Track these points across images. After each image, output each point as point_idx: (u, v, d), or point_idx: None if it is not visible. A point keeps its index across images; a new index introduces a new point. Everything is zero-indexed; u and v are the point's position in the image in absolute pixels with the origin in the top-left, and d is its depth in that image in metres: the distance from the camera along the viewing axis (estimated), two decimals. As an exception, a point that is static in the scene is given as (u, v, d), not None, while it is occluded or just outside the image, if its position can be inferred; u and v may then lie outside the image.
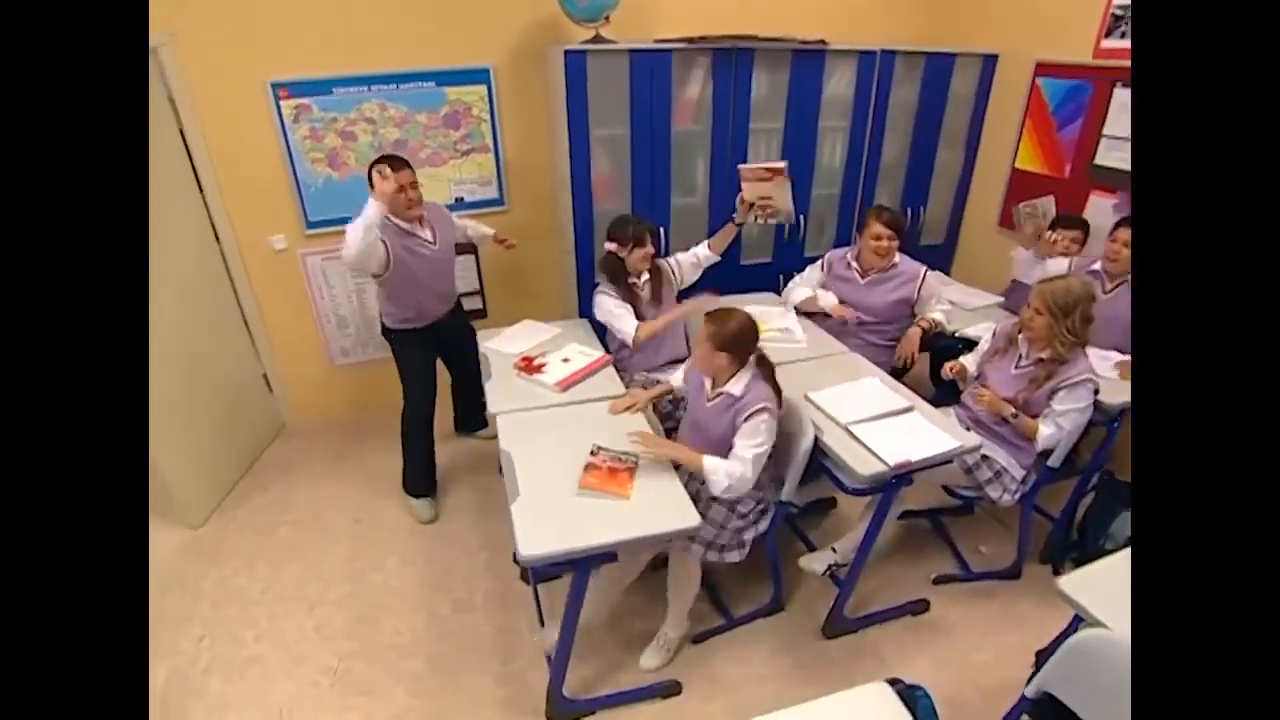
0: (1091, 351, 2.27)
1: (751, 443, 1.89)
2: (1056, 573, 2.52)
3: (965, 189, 3.65)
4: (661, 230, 3.14)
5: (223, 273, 3.04)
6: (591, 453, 1.95)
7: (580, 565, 1.75)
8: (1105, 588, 1.53)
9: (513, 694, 2.09)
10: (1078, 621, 1.60)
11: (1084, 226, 2.86)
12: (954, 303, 2.94)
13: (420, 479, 2.83)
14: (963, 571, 2.55)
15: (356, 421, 3.47)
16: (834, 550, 2.30)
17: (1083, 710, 1.41)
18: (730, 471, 1.88)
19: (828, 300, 2.82)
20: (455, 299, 2.86)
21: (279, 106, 2.81)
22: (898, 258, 2.80)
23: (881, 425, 2.09)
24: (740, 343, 1.95)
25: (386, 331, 2.68)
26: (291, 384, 3.38)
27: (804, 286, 2.90)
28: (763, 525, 2.11)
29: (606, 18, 2.78)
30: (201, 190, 2.87)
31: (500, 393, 2.33)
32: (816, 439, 2.03)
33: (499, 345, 2.63)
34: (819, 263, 2.95)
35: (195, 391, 2.84)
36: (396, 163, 2.39)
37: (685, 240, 3.18)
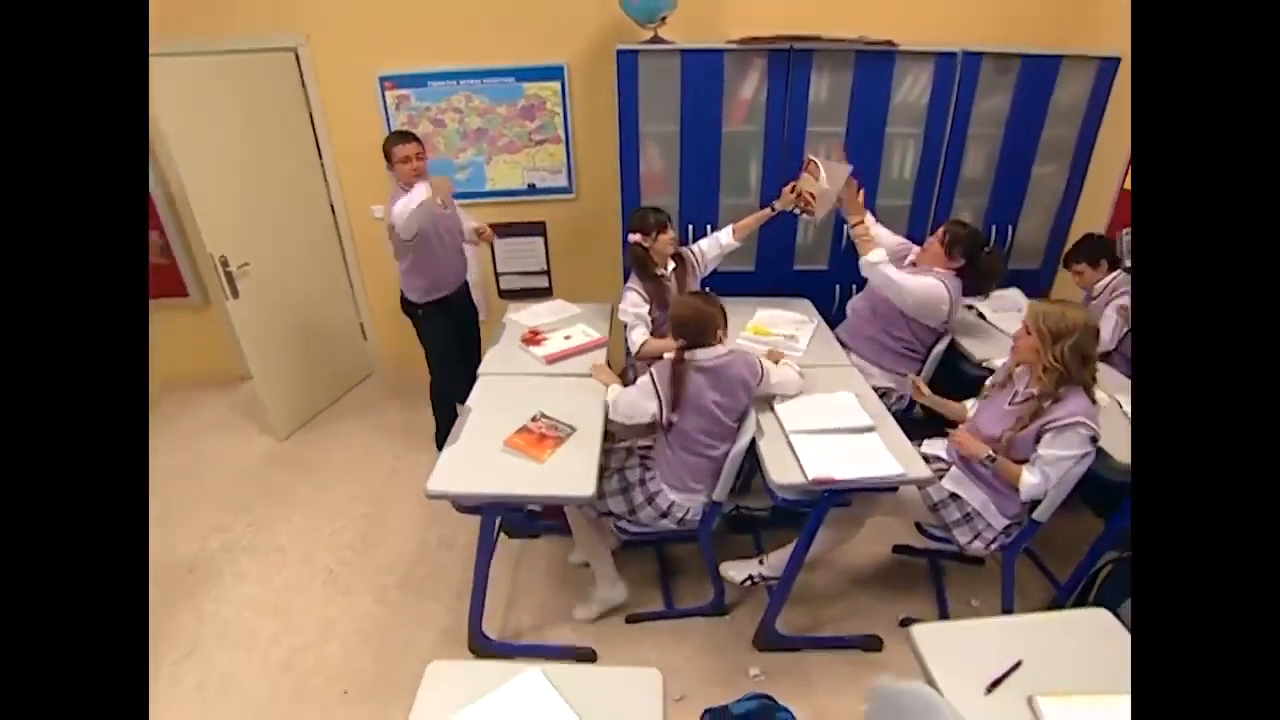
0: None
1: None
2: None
3: (1070, 210, 3.25)
4: (709, 229, 3.22)
5: (334, 236, 3.66)
6: (533, 418, 2.15)
7: (486, 511, 1.96)
8: (960, 649, 1.42)
9: (453, 625, 2.35)
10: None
11: (1103, 255, 2.56)
12: (983, 315, 2.75)
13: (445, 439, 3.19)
14: (938, 621, 2.36)
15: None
16: (760, 562, 2.26)
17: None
18: (616, 396, 2.20)
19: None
20: (465, 275, 3.11)
21: (384, 96, 3.33)
22: (944, 270, 2.63)
23: (827, 439, 2.04)
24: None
25: (411, 308, 2.97)
26: (382, 337, 3.95)
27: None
28: (645, 518, 2.16)
29: (663, 19, 2.92)
30: (323, 165, 3.49)
31: (496, 358, 2.61)
32: (753, 441, 2.04)
33: (520, 317, 2.90)
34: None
35: (301, 330, 3.48)
36: (407, 137, 2.74)
37: (736, 240, 3.24)
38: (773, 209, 2.80)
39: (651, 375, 2.08)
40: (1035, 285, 3.35)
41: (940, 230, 2.64)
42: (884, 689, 1.32)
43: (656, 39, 2.95)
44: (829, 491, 1.93)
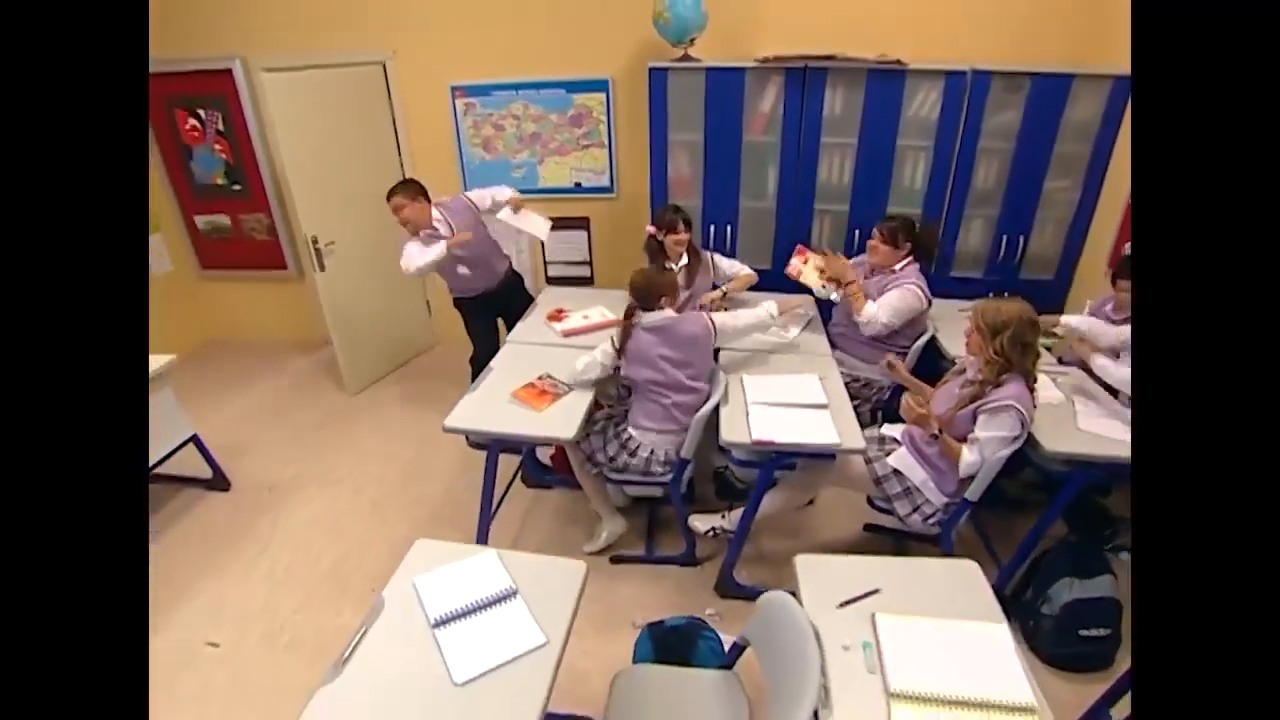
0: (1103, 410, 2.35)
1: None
2: (997, 622, 2.44)
3: (1085, 224, 3.35)
4: (729, 228, 3.57)
5: (409, 222, 4.25)
6: (539, 377, 2.59)
7: (491, 446, 2.42)
8: (834, 577, 1.72)
9: (468, 549, 2.82)
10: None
11: None
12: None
13: None
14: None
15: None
16: (723, 516, 2.60)
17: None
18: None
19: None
20: (505, 274, 3.49)
21: (455, 103, 3.88)
22: (899, 266, 2.89)
23: (780, 410, 2.36)
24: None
25: (456, 302, 3.45)
26: (444, 314, 4.50)
27: None
28: (621, 463, 2.53)
29: (692, 40, 3.29)
30: (400, 160, 4.09)
31: (524, 330, 3.09)
32: (717, 407, 2.39)
33: (551, 300, 3.36)
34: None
35: (374, 303, 4.09)
36: (391, 192, 3.11)
37: (753, 237, 3.60)
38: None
39: (613, 336, 2.48)
40: (1049, 297, 3.46)
41: (876, 234, 2.91)
42: (763, 598, 1.65)
43: (686, 57, 3.33)
44: (775, 454, 2.26)
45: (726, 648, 1.89)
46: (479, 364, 3.55)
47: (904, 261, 2.88)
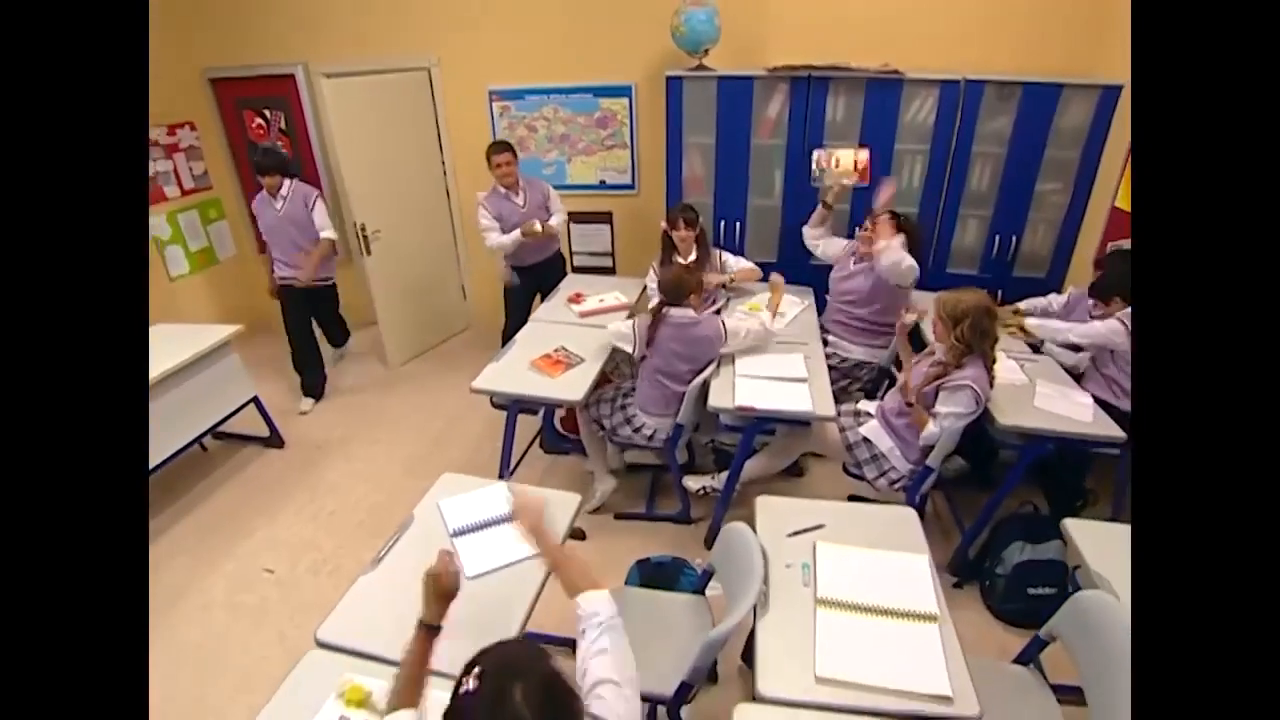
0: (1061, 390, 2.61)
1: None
2: (957, 585, 2.71)
3: (1075, 225, 3.57)
4: (738, 224, 3.89)
5: (447, 214, 4.68)
6: (555, 349, 2.96)
7: (510, 406, 2.79)
8: (789, 513, 2.04)
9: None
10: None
11: None
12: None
13: None
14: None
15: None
16: (713, 477, 2.93)
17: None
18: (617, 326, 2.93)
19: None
20: (553, 251, 3.98)
21: (492, 106, 4.28)
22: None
23: (765, 383, 2.68)
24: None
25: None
26: (478, 297, 4.94)
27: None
28: (624, 434, 2.88)
29: (706, 51, 3.62)
30: (442, 158, 4.51)
31: (547, 309, 3.49)
32: (707, 380, 2.72)
33: (571, 285, 3.73)
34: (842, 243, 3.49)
35: (415, 286, 4.52)
36: (501, 147, 3.64)
37: (761, 233, 3.91)
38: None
39: (635, 322, 2.81)
40: (1041, 294, 3.69)
41: (867, 221, 3.18)
42: (726, 527, 1.98)
43: (701, 67, 3.66)
44: (756, 419, 2.58)
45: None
46: (508, 332, 3.92)
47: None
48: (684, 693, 1.76)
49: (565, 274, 4.04)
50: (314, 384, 4.21)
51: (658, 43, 3.87)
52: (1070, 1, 3.46)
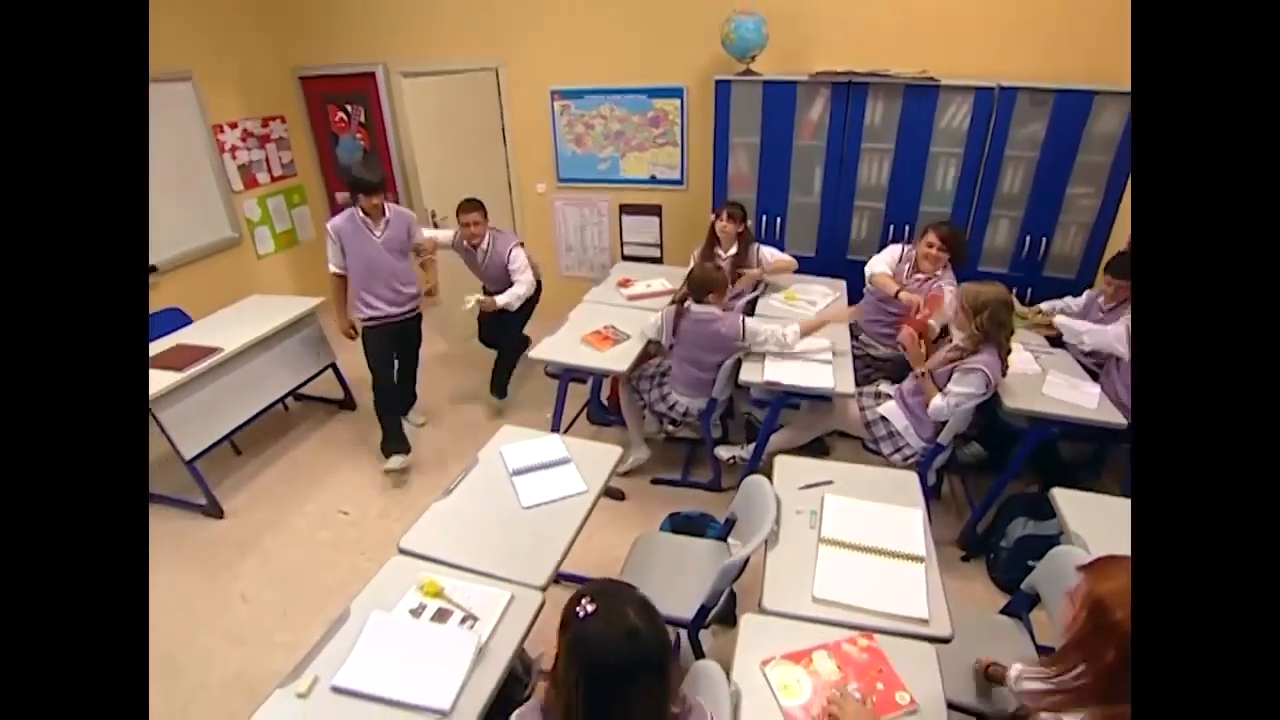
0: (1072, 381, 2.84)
1: None
2: (964, 558, 2.95)
3: (1106, 229, 3.72)
4: (779, 220, 4.17)
5: (508, 202, 5.08)
6: (604, 326, 3.31)
7: (561, 374, 3.15)
8: (802, 471, 2.33)
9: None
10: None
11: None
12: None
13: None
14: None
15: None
16: (742, 447, 3.23)
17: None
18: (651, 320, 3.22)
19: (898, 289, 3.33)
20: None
21: (553, 105, 4.65)
22: (943, 270, 3.32)
23: (792, 362, 2.96)
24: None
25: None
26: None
27: (882, 265, 3.48)
28: (660, 408, 3.20)
29: (753, 56, 3.90)
30: (505, 151, 4.91)
31: (598, 292, 3.84)
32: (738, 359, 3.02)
33: (621, 271, 4.08)
34: (899, 248, 3.50)
35: (475, 269, 4.92)
36: (471, 206, 3.67)
37: (800, 228, 4.17)
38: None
39: (664, 312, 3.12)
40: (1073, 295, 3.86)
41: (932, 235, 3.25)
42: (745, 480, 2.28)
43: (748, 71, 3.95)
44: (782, 393, 2.87)
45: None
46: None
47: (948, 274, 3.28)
48: (702, 616, 2.08)
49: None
50: (397, 433, 3.60)
51: (708, 48, 4.17)
52: (1102, 8, 3.62)
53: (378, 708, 1.57)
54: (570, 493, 2.20)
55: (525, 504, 2.16)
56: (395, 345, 3.67)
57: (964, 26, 3.83)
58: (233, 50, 4.71)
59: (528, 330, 4.07)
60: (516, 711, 1.35)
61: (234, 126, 4.79)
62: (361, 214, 3.34)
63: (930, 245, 3.28)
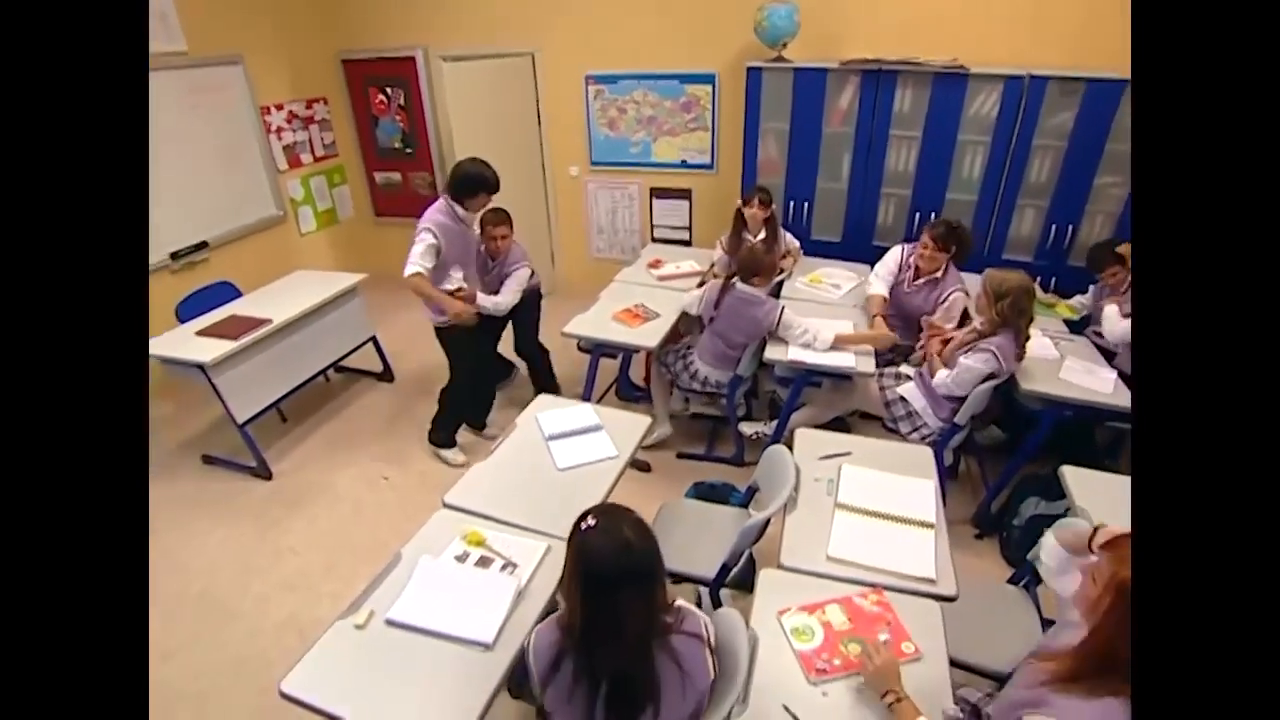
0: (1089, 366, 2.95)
1: None
2: (978, 536, 3.07)
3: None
4: (807, 204, 4.27)
5: (541, 185, 5.24)
6: (635, 305, 3.47)
7: (593, 349, 3.31)
8: (824, 443, 2.47)
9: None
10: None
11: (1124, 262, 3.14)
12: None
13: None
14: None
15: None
16: (765, 424, 3.36)
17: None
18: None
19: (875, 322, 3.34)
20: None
21: (587, 90, 4.78)
22: (944, 270, 3.32)
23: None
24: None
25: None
26: (565, 262, 5.49)
27: (879, 284, 3.48)
28: (684, 380, 3.35)
29: (785, 44, 3.99)
30: (540, 134, 5.06)
31: (629, 273, 3.99)
32: (764, 339, 3.16)
33: (651, 252, 4.22)
34: (900, 252, 3.52)
35: (509, 250, 5.10)
36: (500, 217, 3.48)
37: (827, 213, 4.27)
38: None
39: (709, 285, 3.26)
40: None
41: (926, 238, 3.25)
42: (768, 450, 2.42)
43: (779, 59, 4.04)
44: (805, 371, 3.00)
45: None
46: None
47: (955, 274, 3.31)
48: (724, 575, 2.23)
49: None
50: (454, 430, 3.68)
51: (740, 35, 4.26)
52: None
53: (427, 639, 1.75)
54: (602, 457, 2.37)
55: (560, 466, 2.33)
56: (496, 327, 3.72)
57: (995, 13, 3.87)
58: (282, 33, 4.90)
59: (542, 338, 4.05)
60: (538, 626, 1.53)
61: (280, 108, 4.99)
62: (460, 216, 3.19)
63: (925, 248, 3.29)
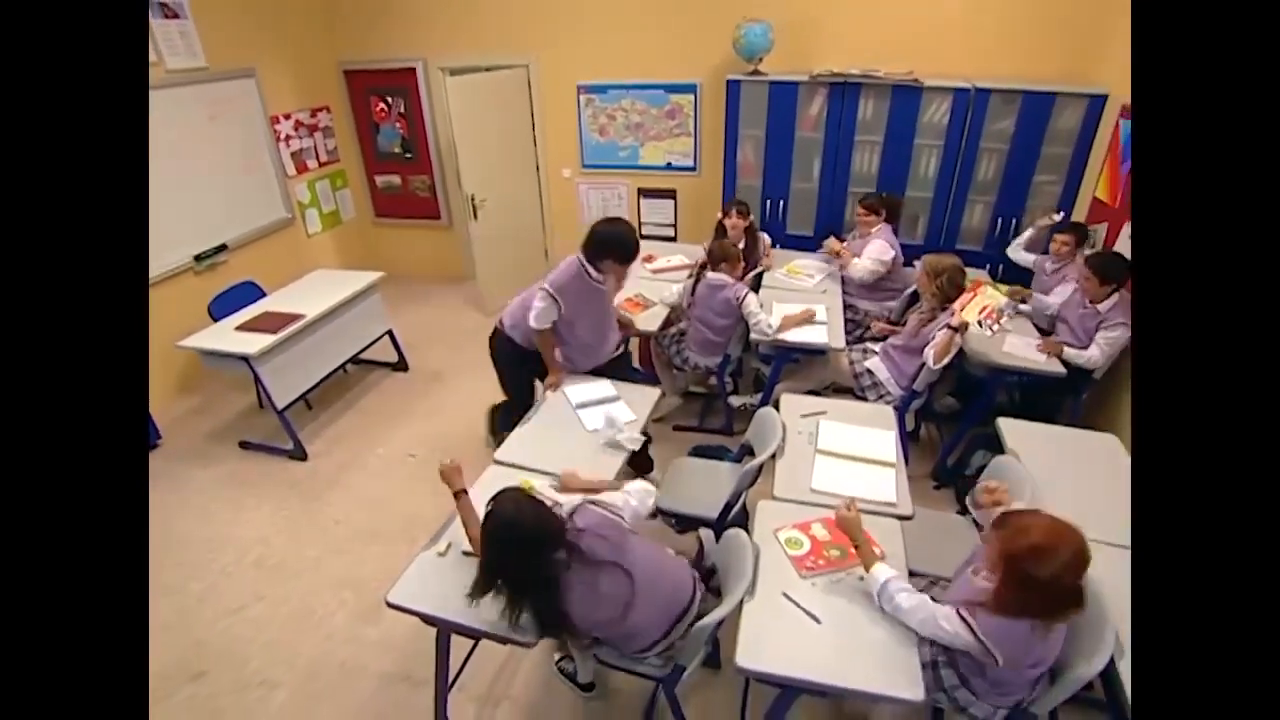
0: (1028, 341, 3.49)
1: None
2: (937, 487, 3.64)
3: (1068, 212, 4.37)
4: (782, 203, 4.81)
5: (537, 188, 5.71)
6: (635, 295, 3.96)
7: (598, 337, 3.81)
8: (805, 404, 3.00)
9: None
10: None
11: (1079, 232, 3.72)
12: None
13: None
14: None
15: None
16: (751, 396, 3.89)
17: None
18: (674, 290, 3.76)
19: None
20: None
21: (579, 98, 5.26)
22: (875, 229, 4.12)
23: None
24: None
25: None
26: (559, 257, 5.90)
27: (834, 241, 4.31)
28: (678, 362, 3.87)
29: (760, 59, 4.52)
30: (535, 140, 5.53)
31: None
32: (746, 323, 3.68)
33: (646, 249, 4.71)
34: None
35: (510, 246, 5.56)
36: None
37: (801, 210, 4.81)
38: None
39: (685, 283, 3.78)
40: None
41: (861, 208, 4.16)
42: (758, 412, 2.94)
43: (755, 72, 4.56)
44: (785, 349, 3.54)
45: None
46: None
47: (884, 229, 4.10)
48: (725, 513, 2.74)
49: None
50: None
51: (720, 50, 4.78)
52: (1070, 21, 4.25)
53: (497, 561, 2.24)
54: (626, 419, 2.87)
55: (588, 428, 2.83)
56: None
57: (945, 34, 4.45)
58: (289, 45, 5.29)
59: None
60: None
61: (288, 117, 5.38)
62: (591, 276, 3.10)
63: (858, 214, 4.21)
